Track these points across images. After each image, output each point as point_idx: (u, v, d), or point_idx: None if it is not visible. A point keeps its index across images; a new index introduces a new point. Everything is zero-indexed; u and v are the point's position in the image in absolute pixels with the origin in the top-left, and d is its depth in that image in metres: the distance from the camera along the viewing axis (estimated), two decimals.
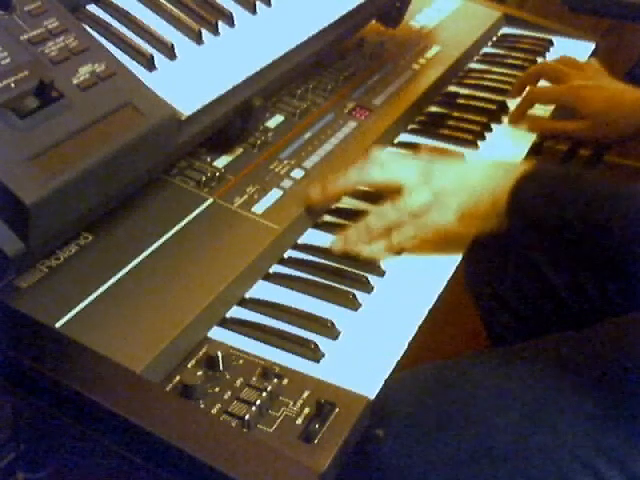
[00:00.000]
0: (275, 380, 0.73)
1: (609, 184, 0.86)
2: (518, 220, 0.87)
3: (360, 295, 0.86)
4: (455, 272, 0.93)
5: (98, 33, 0.84)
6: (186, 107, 0.83)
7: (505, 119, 1.27)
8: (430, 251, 0.93)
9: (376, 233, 0.92)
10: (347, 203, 1.01)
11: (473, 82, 1.36)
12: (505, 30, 1.56)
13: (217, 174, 0.94)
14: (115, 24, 0.87)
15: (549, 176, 0.88)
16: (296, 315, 0.82)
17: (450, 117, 1.25)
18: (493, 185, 0.89)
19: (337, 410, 0.71)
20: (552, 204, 0.85)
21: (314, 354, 0.78)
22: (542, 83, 1.32)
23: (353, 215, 0.98)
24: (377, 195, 0.97)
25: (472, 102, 1.30)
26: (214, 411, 0.70)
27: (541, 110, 1.29)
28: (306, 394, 0.73)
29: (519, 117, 1.27)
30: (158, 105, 0.79)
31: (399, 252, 0.92)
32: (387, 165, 0.94)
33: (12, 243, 0.67)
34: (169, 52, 0.87)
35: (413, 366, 0.92)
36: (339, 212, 0.99)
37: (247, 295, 0.85)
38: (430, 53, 1.34)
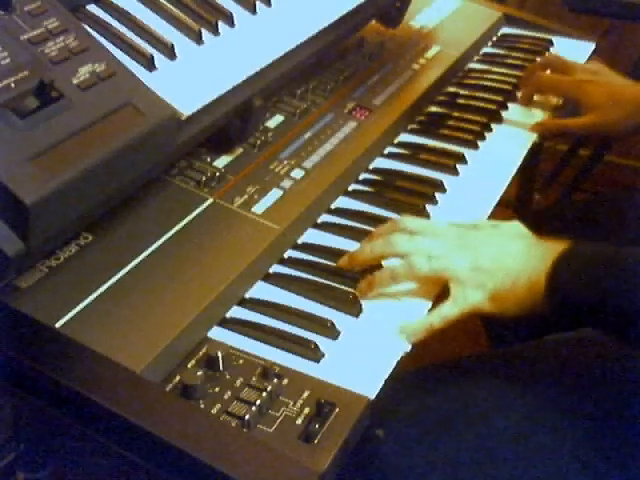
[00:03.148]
0: (275, 380, 0.73)
1: None
2: (557, 304, 0.83)
3: None
4: None
5: (98, 33, 0.84)
6: (186, 107, 0.83)
7: (505, 119, 1.27)
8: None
9: (399, 281, 0.87)
10: (346, 203, 1.01)
11: (473, 82, 1.36)
12: (505, 30, 1.56)
13: (217, 174, 0.94)
14: (115, 24, 0.87)
15: (586, 257, 0.83)
16: (296, 315, 0.82)
17: (450, 117, 1.25)
18: (530, 268, 0.84)
19: (337, 410, 0.71)
20: (592, 287, 0.81)
21: (314, 354, 0.78)
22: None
23: (353, 215, 0.98)
24: None
25: (472, 102, 1.30)
26: (214, 411, 0.70)
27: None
28: (306, 394, 0.73)
29: (528, 101, 1.32)
30: (158, 105, 0.79)
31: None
32: (416, 236, 0.89)
33: (12, 243, 0.67)
34: (169, 52, 0.87)
35: (413, 366, 0.92)
36: (339, 212, 1.00)
37: (247, 295, 0.85)
38: (430, 53, 1.34)
